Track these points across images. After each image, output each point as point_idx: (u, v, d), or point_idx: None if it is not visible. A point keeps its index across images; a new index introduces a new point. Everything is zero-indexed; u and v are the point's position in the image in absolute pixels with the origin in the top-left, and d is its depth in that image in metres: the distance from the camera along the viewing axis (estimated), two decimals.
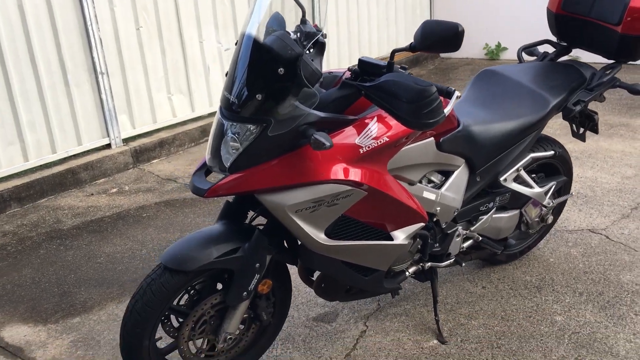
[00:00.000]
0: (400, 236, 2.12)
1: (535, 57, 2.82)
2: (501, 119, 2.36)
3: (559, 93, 2.47)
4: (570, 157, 2.86)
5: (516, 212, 2.63)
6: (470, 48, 8.09)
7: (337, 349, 2.43)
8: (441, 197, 2.23)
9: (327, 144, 1.66)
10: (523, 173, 2.52)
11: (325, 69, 1.97)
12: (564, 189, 2.88)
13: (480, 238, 2.54)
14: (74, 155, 4.40)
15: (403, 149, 2.00)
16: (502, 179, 2.44)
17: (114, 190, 4.23)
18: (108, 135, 4.58)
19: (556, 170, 2.82)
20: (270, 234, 1.98)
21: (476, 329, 2.49)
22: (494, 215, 2.53)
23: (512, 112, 2.39)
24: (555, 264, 2.93)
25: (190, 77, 5.15)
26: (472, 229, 2.48)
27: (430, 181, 2.25)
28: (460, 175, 2.30)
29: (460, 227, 2.43)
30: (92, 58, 4.38)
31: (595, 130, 2.82)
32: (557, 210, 2.95)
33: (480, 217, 2.50)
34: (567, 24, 2.72)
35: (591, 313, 2.55)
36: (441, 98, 1.72)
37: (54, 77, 4.19)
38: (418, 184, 2.15)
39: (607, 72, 2.58)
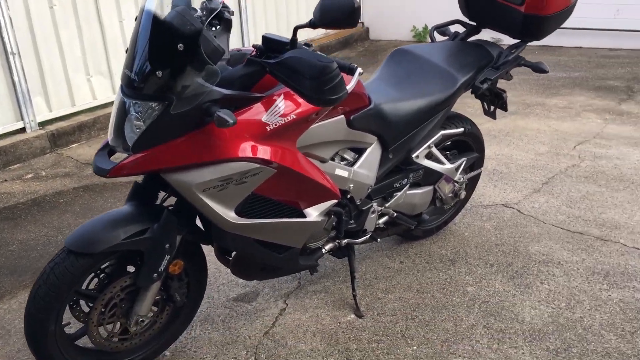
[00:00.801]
0: (313, 213, 2.13)
1: (447, 37, 2.89)
2: (411, 97, 2.41)
3: (467, 71, 2.54)
4: (481, 133, 2.95)
5: (430, 188, 2.70)
6: (399, 30, 8.22)
7: (256, 327, 2.44)
8: (354, 174, 2.27)
9: (230, 121, 1.65)
10: (435, 150, 2.59)
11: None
12: (476, 165, 2.97)
13: (395, 214, 2.60)
14: None
15: (312, 126, 2.02)
16: (414, 155, 2.50)
17: (29, 175, 4.06)
18: (22, 119, 4.39)
19: (468, 147, 2.91)
20: (179, 214, 1.95)
21: (392, 302, 2.56)
22: (407, 192, 2.59)
23: (422, 90, 2.44)
24: (470, 238, 3.04)
25: (111, 58, 4.99)
26: (386, 205, 2.53)
27: (343, 159, 2.28)
28: (372, 152, 2.34)
29: (375, 204, 2.48)
30: (2, 38, 4.17)
31: (504, 107, 2.92)
32: (471, 186, 3.05)
33: (394, 194, 2.55)
34: (475, 4, 2.79)
35: (500, 283, 2.66)
36: (343, 75, 1.74)
37: None
38: (330, 161, 2.17)
39: (513, 51, 2.67)
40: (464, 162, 2.76)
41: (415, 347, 2.29)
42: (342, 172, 2.22)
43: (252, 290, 2.69)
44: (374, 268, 2.81)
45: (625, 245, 2.92)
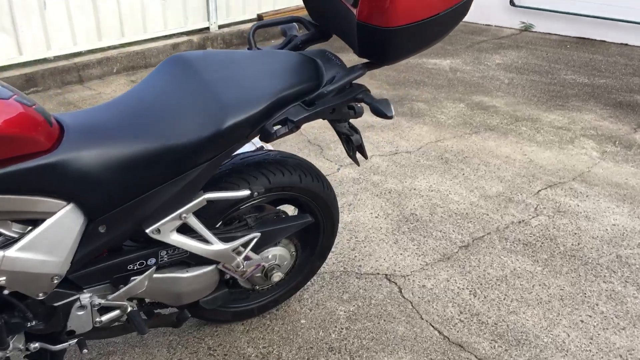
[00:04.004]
0: None
1: (282, 42, 1.93)
2: (143, 139, 1.50)
3: (254, 104, 1.59)
4: (326, 190, 1.99)
5: (209, 269, 1.80)
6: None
7: None
8: (4, 260, 1.41)
9: None
10: (194, 220, 1.67)
11: None
12: (314, 237, 2.05)
13: (132, 308, 1.72)
14: None
15: None
16: (149, 230, 1.60)
17: None
18: None
19: (309, 208, 1.99)
20: None
21: None
22: (157, 275, 1.71)
23: (165, 129, 1.52)
24: (302, 329, 2.13)
25: (17, 14, 4.23)
26: (112, 296, 1.66)
27: None
28: (58, 225, 1.46)
29: (88, 295, 1.62)
30: None
31: (363, 153, 1.96)
32: (318, 254, 2.13)
33: (132, 278, 1.68)
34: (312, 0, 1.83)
35: None
36: None
37: None
38: None
39: (344, 75, 1.69)
40: (256, 239, 1.82)
41: None
42: None
43: None
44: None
45: None
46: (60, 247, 1.48)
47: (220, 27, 5.58)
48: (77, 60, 4.58)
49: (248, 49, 1.87)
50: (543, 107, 4.32)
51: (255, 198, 1.80)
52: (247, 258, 1.84)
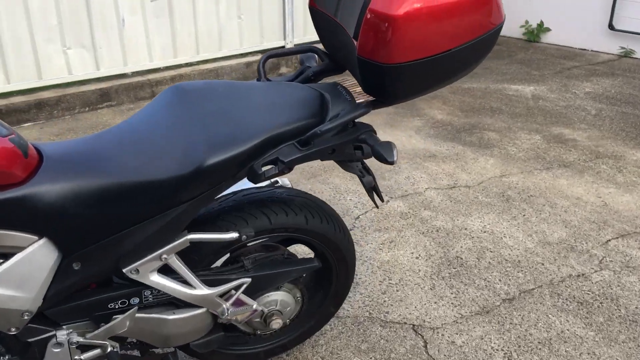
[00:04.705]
0: None
1: (299, 73, 1.80)
2: (119, 173, 1.42)
3: (243, 141, 1.47)
4: (338, 233, 1.83)
5: (200, 311, 1.69)
6: (506, 24, 6.71)
7: None
8: None
9: None
10: (175, 261, 1.57)
11: None
12: (318, 281, 1.90)
13: (113, 349, 1.64)
14: None
15: None
16: (127, 269, 1.52)
17: None
18: None
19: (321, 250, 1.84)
20: None
21: None
22: (140, 315, 1.62)
23: (143, 165, 1.43)
24: None
25: (96, 29, 4.40)
26: (92, 334, 1.59)
27: None
28: (29, 261, 1.41)
29: (65, 332, 1.56)
30: None
31: (379, 197, 1.79)
32: (333, 302, 1.97)
33: (114, 317, 1.60)
34: (322, 26, 1.68)
35: None
36: None
37: None
38: None
39: (346, 113, 1.52)
40: (245, 285, 1.68)
41: None
42: None
43: None
44: None
45: None
46: (30, 283, 1.43)
47: (296, 45, 5.55)
48: (150, 76, 4.69)
49: (257, 79, 1.76)
50: (631, 143, 3.90)
51: (250, 240, 1.67)
52: (240, 303, 1.71)
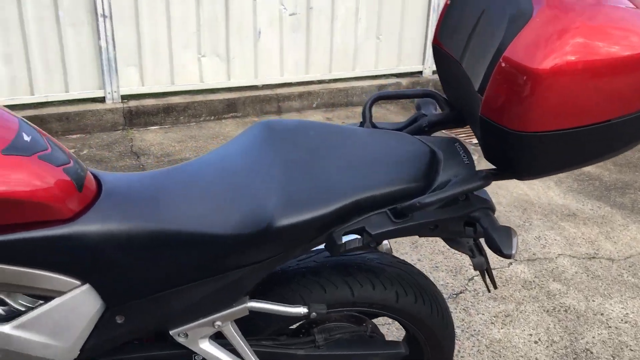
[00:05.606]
0: None
1: (410, 120, 1.49)
2: (177, 220, 1.21)
3: (324, 201, 1.19)
4: (436, 317, 1.50)
5: None
6: None
7: None
8: None
9: None
10: (230, 330, 1.32)
11: None
12: None
13: None
14: (56, 102, 4.01)
15: None
16: (174, 332, 1.30)
17: (72, 150, 3.75)
18: (104, 88, 4.09)
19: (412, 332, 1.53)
20: None
21: None
22: None
23: (207, 214, 1.21)
24: None
25: (232, 39, 4.38)
26: None
27: (2, 303, 1.25)
28: (69, 307, 1.24)
29: None
30: None
31: (492, 281, 1.44)
32: None
33: None
34: (445, 69, 1.37)
35: None
36: None
37: (42, 9, 3.77)
38: None
39: (457, 185, 1.19)
40: None
41: None
42: None
43: None
44: None
45: None
46: (68, 332, 1.26)
47: (434, 72, 5.21)
48: (279, 91, 4.60)
49: (360, 123, 1.49)
50: None
51: (300, 317, 1.39)
52: None
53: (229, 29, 4.34)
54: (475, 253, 1.38)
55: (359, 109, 4.78)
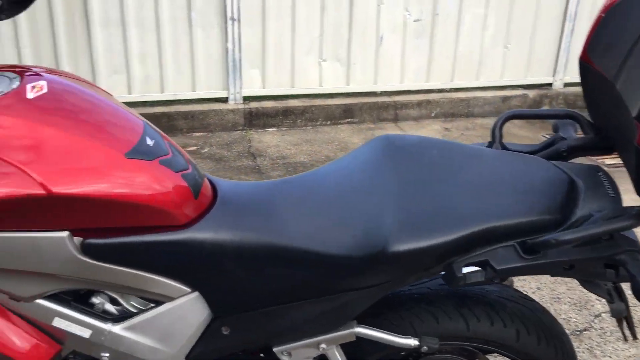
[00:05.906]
0: None
1: (546, 142, 1.35)
2: (292, 235, 1.16)
3: (444, 229, 1.09)
4: (557, 355, 1.35)
5: None
6: None
7: None
8: (109, 336, 1.24)
9: None
10: (334, 354, 1.25)
11: None
12: None
13: None
14: (183, 101, 4.17)
15: None
16: (277, 349, 1.26)
17: (193, 148, 3.89)
18: (228, 89, 4.21)
19: None
20: None
21: None
22: None
23: (321, 232, 1.15)
24: None
25: (354, 44, 4.36)
26: None
27: (116, 303, 1.27)
28: (177, 313, 1.24)
29: None
30: (225, 0, 3.98)
31: (632, 331, 1.27)
32: None
33: None
34: (592, 88, 1.21)
35: None
36: None
37: (176, 10, 3.94)
38: (43, 302, 1.22)
39: (602, 219, 1.04)
40: None
41: None
42: (74, 327, 1.23)
43: None
44: None
45: None
46: (175, 338, 1.26)
47: (566, 85, 4.89)
48: (397, 98, 4.51)
49: (489, 144, 1.37)
50: None
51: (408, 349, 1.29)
52: None
53: (351, 34, 4.31)
54: (615, 298, 1.23)
55: (480, 121, 4.58)
